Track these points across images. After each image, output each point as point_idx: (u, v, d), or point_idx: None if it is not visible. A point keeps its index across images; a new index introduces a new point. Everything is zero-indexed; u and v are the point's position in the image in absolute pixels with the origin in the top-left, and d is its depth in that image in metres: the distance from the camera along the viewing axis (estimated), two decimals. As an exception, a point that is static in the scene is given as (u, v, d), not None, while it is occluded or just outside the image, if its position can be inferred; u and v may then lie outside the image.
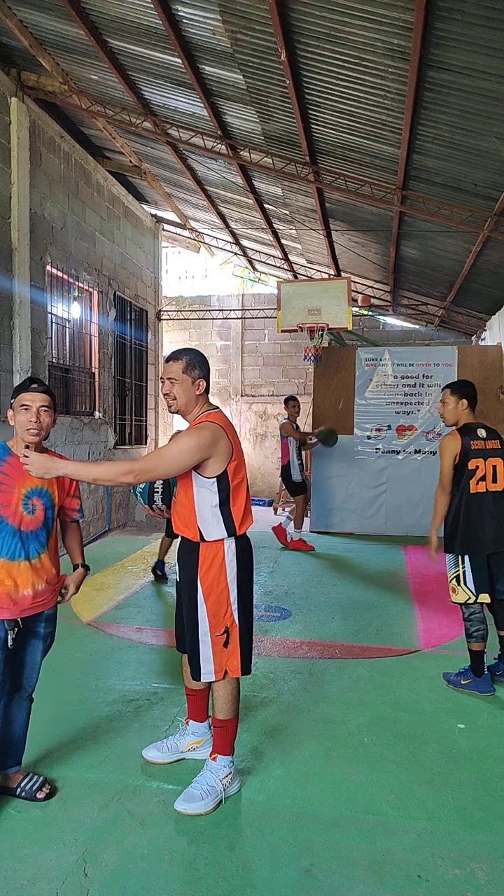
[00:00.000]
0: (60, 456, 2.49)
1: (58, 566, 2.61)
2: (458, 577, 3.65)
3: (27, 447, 2.40)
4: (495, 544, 3.62)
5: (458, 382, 3.87)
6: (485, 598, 3.61)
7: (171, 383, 2.62)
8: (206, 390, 2.68)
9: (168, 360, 2.66)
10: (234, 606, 2.59)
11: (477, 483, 3.63)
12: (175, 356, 2.66)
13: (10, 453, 2.46)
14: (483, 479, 3.64)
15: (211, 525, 2.57)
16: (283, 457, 7.92)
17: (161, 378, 2.72)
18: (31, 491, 2.44)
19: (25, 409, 2.42)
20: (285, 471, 7.92)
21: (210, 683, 2.69)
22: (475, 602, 3.62)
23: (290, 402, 8.01)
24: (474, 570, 3.60)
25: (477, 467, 3.63)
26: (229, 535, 2.58)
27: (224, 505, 2.56)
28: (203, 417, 2.61)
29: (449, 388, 3.81)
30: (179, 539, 2.71)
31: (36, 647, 2.55)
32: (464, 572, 3.62)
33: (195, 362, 2.64)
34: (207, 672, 2.60)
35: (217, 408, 2.69)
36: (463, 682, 3.68)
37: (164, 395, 2.66)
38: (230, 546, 2.59)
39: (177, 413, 2.69)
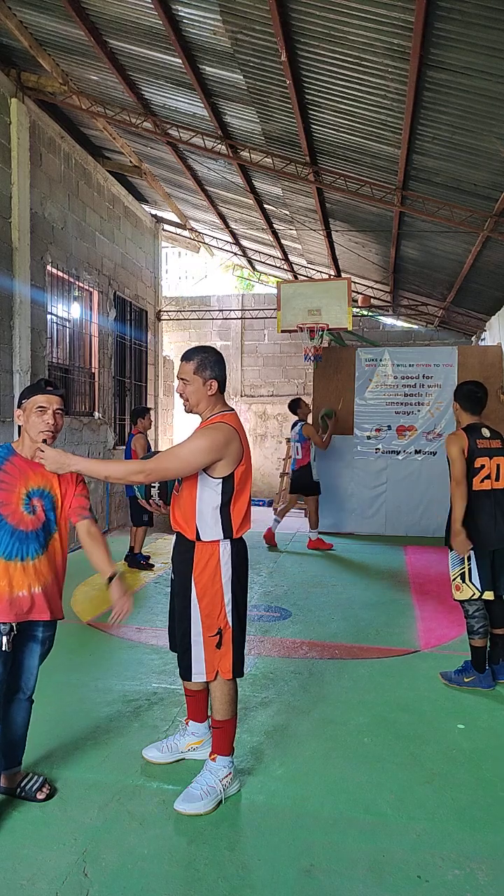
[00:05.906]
0: None
1: (58, 573, 2.53)
2: (463, 575, 3.68)
3: (45, 441, 2.41)
4: (500, 541, 3.66)
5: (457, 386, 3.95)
6: (489, 595, 3.64)
7: (184, 383, 2.61)
8: (221, 390, 2.65)
9: (182, 359, 2.64)
10: (229, 608, 2.58)
11: (481, 481, 3.67)
12: (187, 356, 2.62)
13: (14, 453, 2.44)
14: (488, 477, 3.68)
15: (209, 525, 2.56)
16: (304, 458, 7.74)
17: (177, 377, 2.71)
18: (32, 491, 2.42)
19: (42, 411, 2.38)
20: (305, 472, 7.76)
21: (207, 684, 2.69)
22: (479, 599, 3.66)
23: (302, 404, 7.89)
24: (480, 566, 3.64)
25: (482, 466, 3.67)
26: (225, 538, 2.58)
27: (225, 507, 2.56)
28: (217, 418, 2.59)
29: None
30: (175, 537, 2.70)
31: (34, 651, 2.51)
32: (469, 569, 3.66)
33: (207, 363, 2.60)
34: (198, 672, 2.60)
35: (232, 410, 2.67)
36: (466, 680, 3.70)
37: (179, 394, 2.66)
38: (226, 548, 2.58)
39: (191, 413, 2.68)
